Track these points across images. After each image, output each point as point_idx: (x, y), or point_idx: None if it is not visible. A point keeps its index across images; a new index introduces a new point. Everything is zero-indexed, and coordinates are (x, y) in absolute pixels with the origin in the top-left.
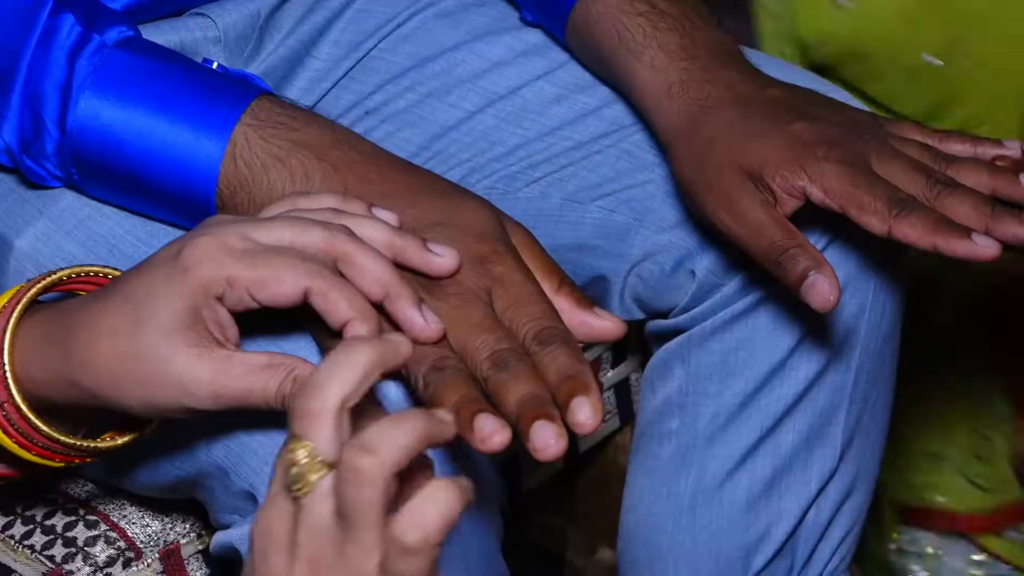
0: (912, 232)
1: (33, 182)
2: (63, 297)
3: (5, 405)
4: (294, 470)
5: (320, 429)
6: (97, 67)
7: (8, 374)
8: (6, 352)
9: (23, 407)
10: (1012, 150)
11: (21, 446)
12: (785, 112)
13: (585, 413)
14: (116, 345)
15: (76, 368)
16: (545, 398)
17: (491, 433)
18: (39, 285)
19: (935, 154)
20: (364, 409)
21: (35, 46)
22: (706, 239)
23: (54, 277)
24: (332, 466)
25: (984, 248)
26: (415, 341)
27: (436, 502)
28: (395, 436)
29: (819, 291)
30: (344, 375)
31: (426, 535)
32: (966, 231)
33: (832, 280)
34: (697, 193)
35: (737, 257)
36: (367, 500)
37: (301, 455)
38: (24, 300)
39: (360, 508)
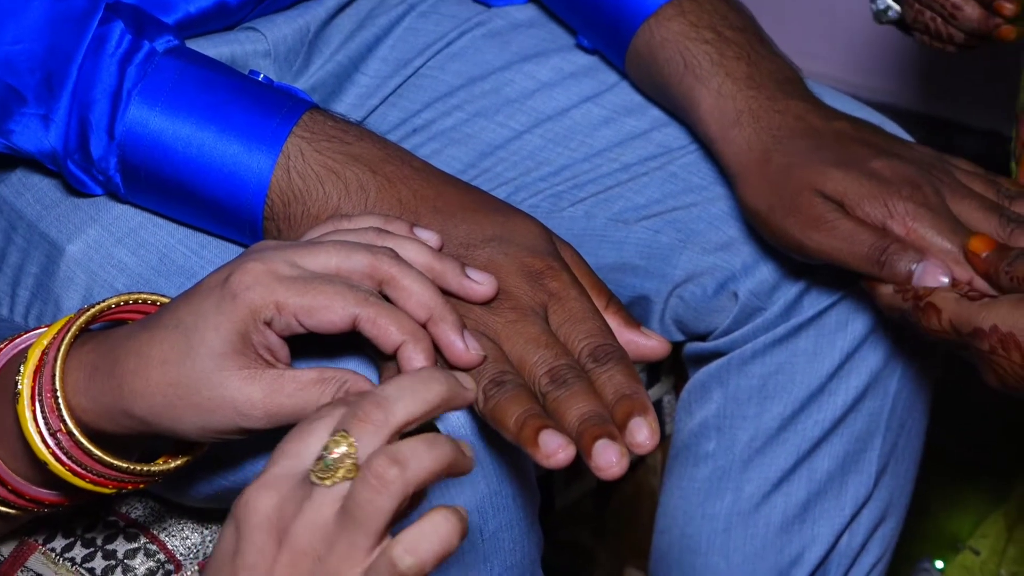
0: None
1: (77, 189)
2: (111, 326)
3: (59, 435)
4: (329, 459)
5: (372, 437)
6: (147, 74)
7: (61, 403)
8: (58, 381)
9: (78, 435)
10: None
11: (75, 474)
12: (860, 146)
13: (644, 434)
14: (168, 373)
15: (128, 398)
16: (605, 416)
17: (556, 449)
18: (87, 314)
19: (999, 191)
20: None
21: (86, 53)
22: (750, 262)
23: (102, 305)
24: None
25: None
26: (454, 365)
27: (437, 534)
28: (425, 457)
29: (931, 274)
30: (415, 401)
31: (421, 564)
32: None
33: (939, 261)
34: (778, 218)
35: (780, 281)
36: (379, 508)
37: (341, 449)
38: (73, 329)
39: (369, 514)
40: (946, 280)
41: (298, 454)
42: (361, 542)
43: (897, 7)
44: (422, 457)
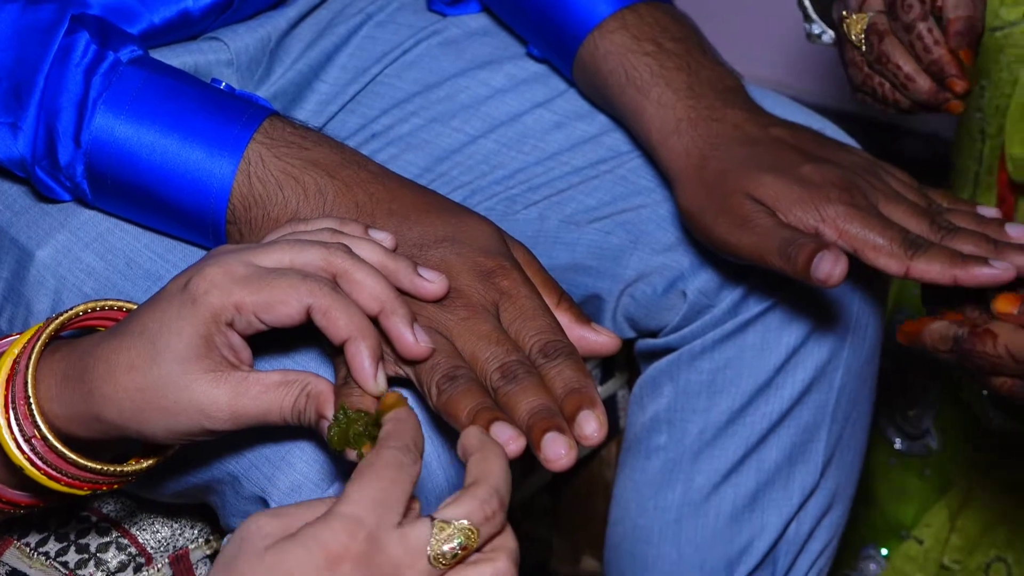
0: (930, 269)
1: (44, 195)
2: (81, 332)
3: (33, 440)
4: (452, 548)
5: (490, 535)
6: (112, 84)
7: (35, 410)
8: (30, 389)
9: (52, 440)
10: (989, 212)
11: (50, 478)
12: (793, 152)
13: (592, 426)
14: (135, 379)
15: (98, 403)
16: (554, 410)
17: (507, 441)
18: (56, 323)
19: (930, 203)
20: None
21: (52, 63)
22: (698, 261)
23: (70, 313)
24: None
25: (1004, 271)
26: (404, 357)
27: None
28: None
29: (825, 267)
30: (508, 480)
31: None
32: (983, 259)
33: (837, 255)
34: (707, 219)
35: (727, 279)
36: None
37: (464, 543)
38: (43, 338)
39: None
40: (837, 274)
41: (385, 506)
42: None
43: (831, 33)
44: (516, 551)
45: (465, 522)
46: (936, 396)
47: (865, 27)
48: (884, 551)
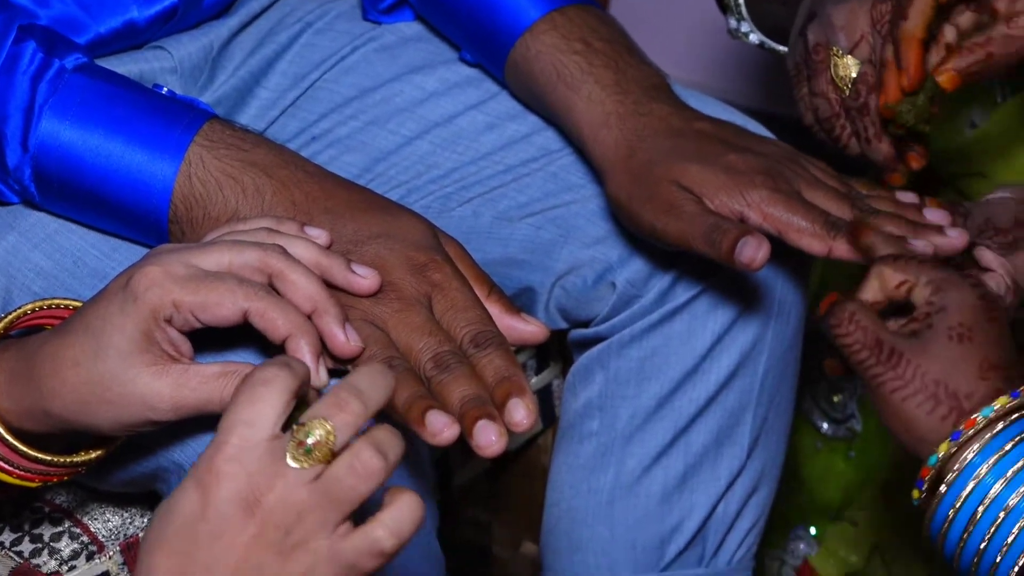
0: (851, 248)
1: None
2: (30, 331)
3: None
4: (309, 443)
5: (350, 427)
6: (58, 90)
7: None
8: None
9: (4, 433)
10: (907, 198)
11: (2, 471)
12: (717, 143)
13: (521, 413)
14: (80, 374)
15: (46, 398)
16: (485, 398)
17: (441, 428)
18: (5, 321)
19: (848, 185)
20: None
21: (0, 70)
22: (626, 253)
23: (18, 312)
24: (335, 454)
25: (923, 248)
26: (335, 355)
27: (412, 514)
28: (399, 448)
29: (748, 251)
30: (380, 392)
31: (401, 543)
32: (902, 238)
33: (760, 240)
34: (635, 206)
35: (654, 270)
36: (360, 493)
37: (320, 434)
38: None
39: (350, 497)
40: (760, 258)
41: (253, 422)
42: (333, 518)
43: (758, 35)
44: (396, 449)
45: (320, 419)
46: (859, 381)
47: (856, 73)
48: (813, 530)
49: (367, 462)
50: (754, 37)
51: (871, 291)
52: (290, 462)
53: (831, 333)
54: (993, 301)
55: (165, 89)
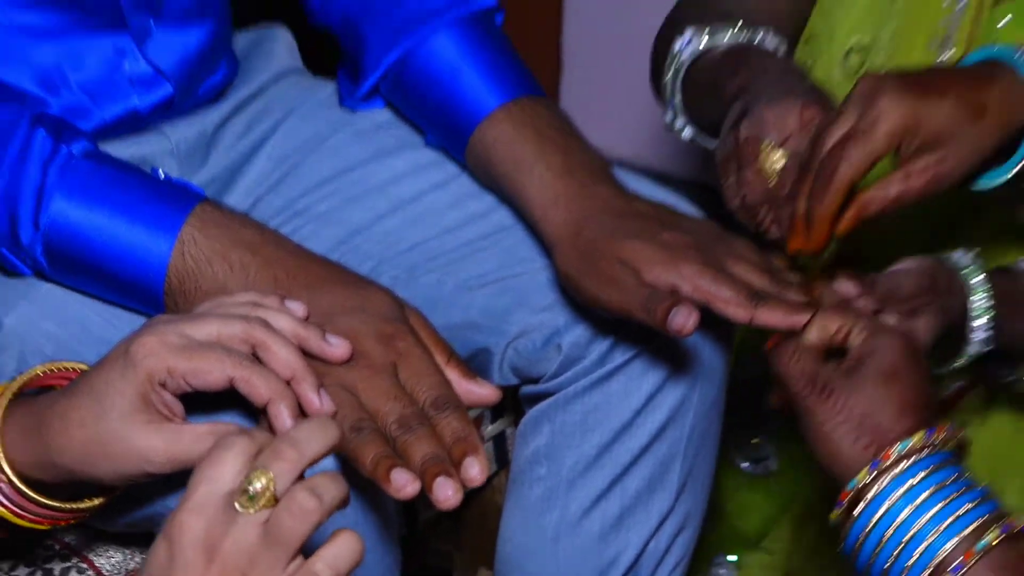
0: (772, 316)
1: (8, 270)
2: (41, 390)
3: (1, 484)
4: (252, 491)
5: (288, 474)
6: (66, 175)
7: (1, 458)
8: None
9: (17, 483)
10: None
11: (16, 515)
12: (653, 222)
13: (474, 470)
14: (85, 432)
15: (54, 452)
16: (443, 456)
17: (404, 484)
18: (18, 383)
19: (767, 260)
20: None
21: (14, 156)
22: (572, 319)
23: (30, 374)
24: (277, 500)
25: None
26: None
27: (349, 551)
28: (334, 490)
29: (679, 319)
30: (319, 443)
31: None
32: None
33: (689, 310)
34: (581, 280)
35: (596, 334)
36: (300, 533)
37: (262, 483)
38: (8, 395)
39: (291, 537)
40: (690, 325)
41: (215, 480)
42: (281, 558)
43: (691, 130)
44: (332, 490)
45: (262, 469)
46: (775, 425)
47: (782, 164)
48: (733, 558)
49: (303, 503)
50: (687, 132)
51: (813, 334)
52: (239, 509)
53: (775, 365)
54: (917, 349)
55: (162, 173)
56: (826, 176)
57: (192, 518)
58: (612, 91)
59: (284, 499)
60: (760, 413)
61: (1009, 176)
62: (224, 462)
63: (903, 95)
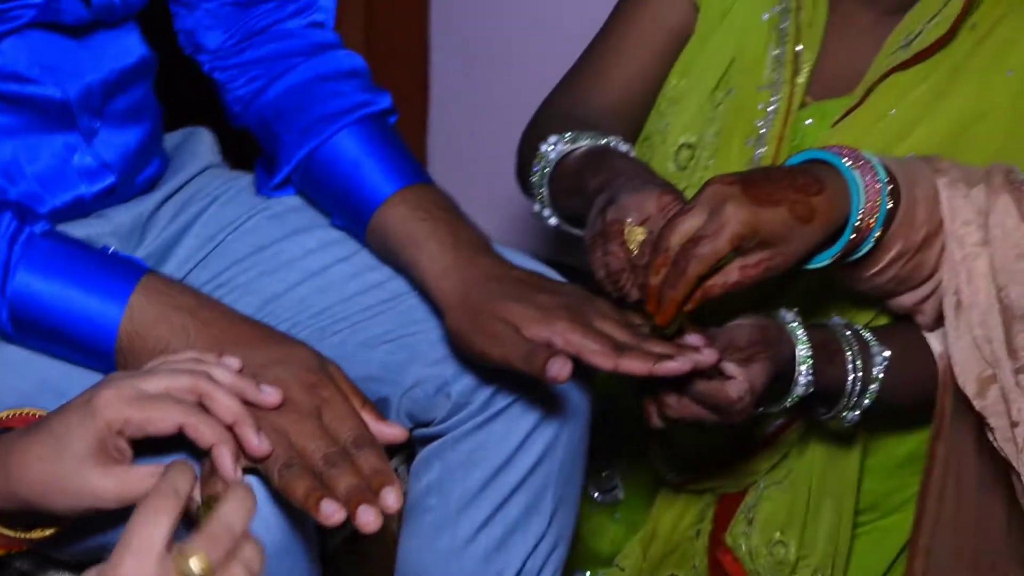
0: (633, 365)
1: None
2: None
3: None
4: (193, 569)
5: (222, 556)
6: (28, 250)
7: None
8: None
9: None
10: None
11: None
12: (529, 288)
13: (391, 498)
14: (44, 468)
15: (13, 485)
16: (364, 488)
17: (332, 513)
18: None
19: (626, 317)
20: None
21: None
22: (459, 371)
23: None
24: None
25: (683, 364)
26: (250, 455)
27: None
28: (260, 559)
29: (555, 369)
30: (245, 516)
31: None
32: (669, 356)
33: (564, 361)
34: (469, 337)
35: (480, 383)
36: None
37: (200, 567)
38: None
39: None
40: (565, 374)
41: (142, 548)
42: None
43: (556, 219)
44: (260, 561)
45: (201, 553)
46: (622, 460)
47: (643, 239)
48: (587, 573)
49: None
50: (553, 221)
51: None
52: None
53: None
54: None
55: (112, 249)
56: (679, 271)
57: (131, 560)
58: (473, 186)
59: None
60: (609, 448)
61: (830, 261)
62: (153, 525)
63: (745, 204)
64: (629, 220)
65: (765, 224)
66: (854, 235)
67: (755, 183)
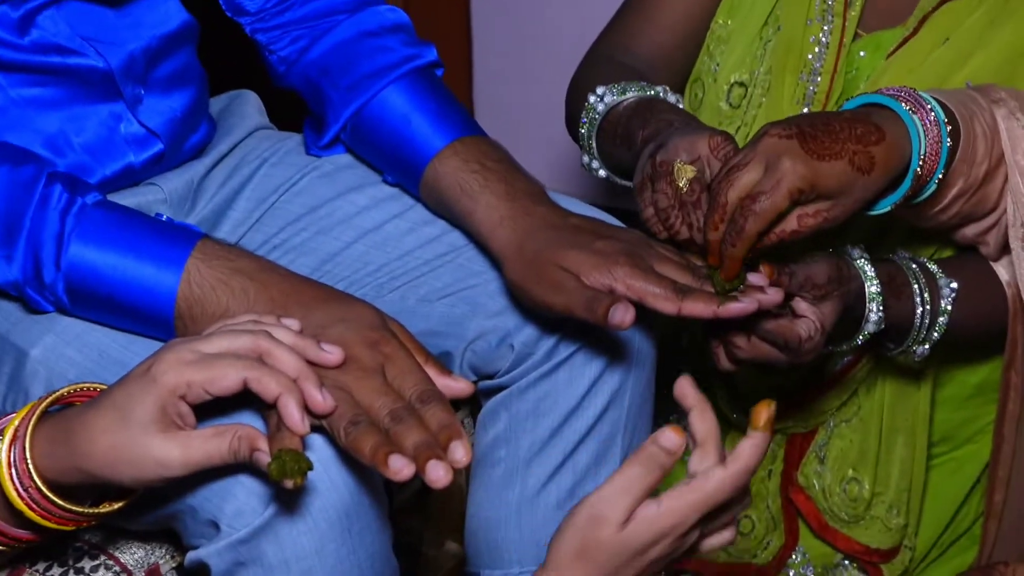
0: (696, 307)
1: (32, 307)
2: (65, 407)
3: (30, 490)
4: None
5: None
6: (81, 221)
7: (31, 467)
8: (28, 451)
9: (44, 490)
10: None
11: (44, 518)
12: (587, 234)
13: (460, 452)
14: (108, 439)
15: (79, 458)
16: (433, 443)
17: (401, 468)
18: (47, 401)
19: (687, 259)
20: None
21: (35, 208)
22: (521, 321)
23: (57, 394)
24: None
25: (748, 304)
26: (314, 412)
27: None
28: None
29: (618, 315)
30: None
31: None
32: (733, 297)
33: (626, 307)
34: (528, 286)
35: (543, 333)
36: None
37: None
38: (38, 412)
39: None
40: (628, 320)
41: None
42: None
43: (605, 171)
44: None
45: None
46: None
47: (692, 176)
48: None
49: None
50: (602, 172)
51: None
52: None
53: None
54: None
55: (165, 217)
56: (738, 228)
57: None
58: (524, 135)
59: None
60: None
61: (891, 208)
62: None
63: (802, 158)
64: (679, 160)
65: (824, 178)
66: (915, 181)
67: (813, 135)
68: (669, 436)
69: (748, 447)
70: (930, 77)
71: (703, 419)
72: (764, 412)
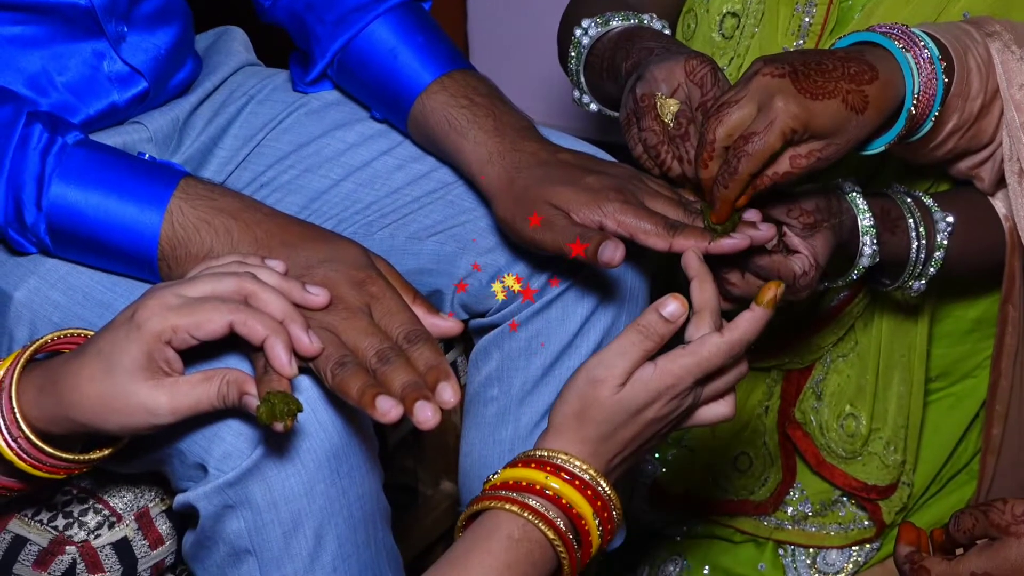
0: (687, 243)
1: (15, 249)
2: (51, 355)
3: (19, 440)
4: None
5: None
6: (62, 161)
7: (19, 417)
8: (15, 401)
9: (33, 438)
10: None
11: (33, 467)
12: (577, 169)
13: (448, 393)
14: (95, 388)
15: (67, 407)
16: (420, 383)
17: (389, 409)
18: (32, 348)
19: (679, 194)
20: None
21: (15, 148)
22: (511, 258)
23: (42, 341)
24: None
25: (740, 240)
26: (301, 354)
27: None
28: None
29: (608, 253)
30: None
31: None
32: (726, 235)
33: (616, 244)
34: (517, 223)
35: (534, 270)
36: None
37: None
38: (22, 361)
39: None
40: (617, 258)
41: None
42: None
43: (596, 104)
44: None
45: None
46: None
47: (676, 110)
48: (656, 456)
49: None
50: (593, 107)
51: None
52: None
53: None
54: None
55: (147, 155)
56: (730, 170)
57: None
58: (518, 70)
59: None
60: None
61: (886, 147)
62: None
63: (795, 97)
64: (659, 93)
65: (817, 117)
66: (910, 120)
67: (805, 74)
68: (670, 303)
69: (747, 318)
70: (926, 9)
71: (703, 289)
72: (771, 290)
